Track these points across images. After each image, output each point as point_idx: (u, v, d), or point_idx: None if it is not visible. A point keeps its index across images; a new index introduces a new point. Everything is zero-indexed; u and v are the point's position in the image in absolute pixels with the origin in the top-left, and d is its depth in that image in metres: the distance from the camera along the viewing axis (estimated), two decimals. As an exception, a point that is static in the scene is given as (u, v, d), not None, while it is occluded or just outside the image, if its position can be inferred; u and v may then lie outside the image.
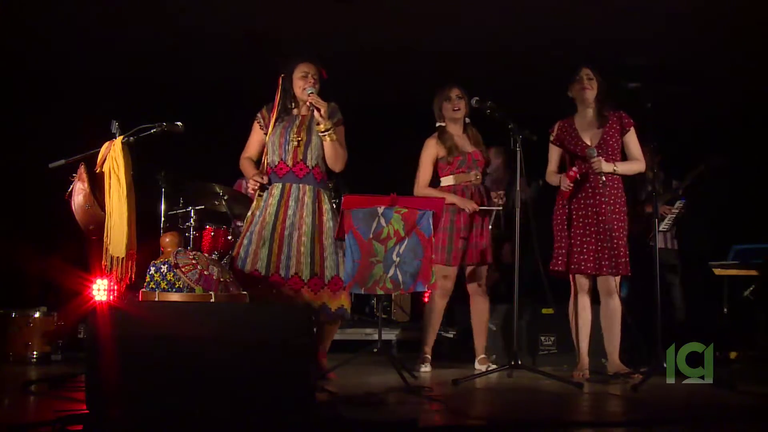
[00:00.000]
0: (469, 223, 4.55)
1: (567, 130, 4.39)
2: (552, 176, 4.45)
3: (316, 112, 3.86)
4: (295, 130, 3.93)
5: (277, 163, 3.95)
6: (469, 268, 4.63)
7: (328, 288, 3.86)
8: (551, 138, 4.45)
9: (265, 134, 4.01)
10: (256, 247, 3.84)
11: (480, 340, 4.69)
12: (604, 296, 4.32)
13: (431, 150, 4.64)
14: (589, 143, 4.30)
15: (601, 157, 4.20)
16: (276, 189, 3.93)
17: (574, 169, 4.27)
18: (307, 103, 3.89)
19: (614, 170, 4.24)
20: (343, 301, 3.91)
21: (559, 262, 4.33)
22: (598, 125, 4.34)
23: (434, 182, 4.67)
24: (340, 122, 4.01)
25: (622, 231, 4.27)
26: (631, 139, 4.34)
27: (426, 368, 4.49)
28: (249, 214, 4.01)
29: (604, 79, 4.34)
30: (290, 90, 4.01)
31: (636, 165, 4.33)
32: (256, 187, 3.96)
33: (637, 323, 4.33)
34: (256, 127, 4.06)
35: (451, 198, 4.53)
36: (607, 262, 4.21)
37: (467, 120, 4.67)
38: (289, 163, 3.92)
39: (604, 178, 4.19)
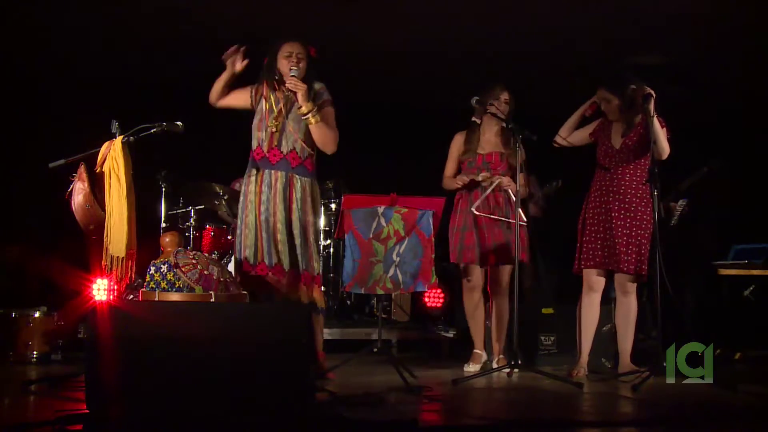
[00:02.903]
0: (486, 222, 4.45)
1: (605, 131, 4.41)
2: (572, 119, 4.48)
3: (294, 96, 3.80)
4: (274, 115, 3.86)
5: (255, 147, 3.90)
6: (490, 269, 4.57)
7: (301, 282, 3.82)
8: (591, 130, 4.46)
9: (251, 102, 3.94)
10: (243, 236, 3.83)
11: (497, 342, 4.60)
12: (619, 295, 4.32)
13: (456, 145, 4.61)
14: (614, 146, 4.33)
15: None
16: (253, 175, 3.88)
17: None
18: (287, 85, 3.81)
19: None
20: (315, 296, 3.86)
21: (584, 262, 4.33)
22: (623, 133, 4.34)
23: None
24: (328, 103, 3.90)
25: (641, 230, 4.23)
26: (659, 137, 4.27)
27: (473, 367, 4.41)
28: (239, 204, 3.95)
29: (621, 91, 4.30)
30: (275, 70, 3.91)
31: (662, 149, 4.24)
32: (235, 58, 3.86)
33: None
34: (248, 88, 3.97)
35: (462, 178, 4.46)
36: (617, 258, 4.21)
37: (510, 125, 4.47)
38: (265, 148, 3.85)
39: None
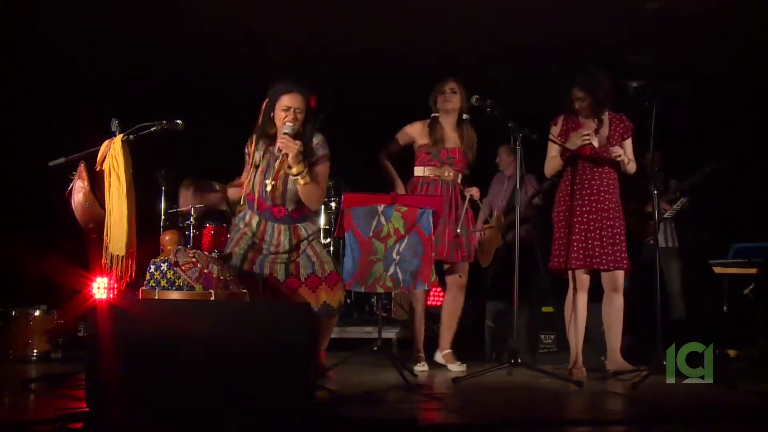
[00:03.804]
0: (443, 219, 4.45)
1: (573, 128, 4.39)
2: (554, 161, 4.41)
3: (285, 157, 3.69)
4: (273, 173, 3.78)
5: (257, 196, 3.83)
6: (445, 264, 4.58)
7: (305, 287, 3.83)
8: (554, 132, 4.41)
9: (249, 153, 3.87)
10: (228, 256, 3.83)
11: (446, 334, 4.60)
12: (608, 292, 4.33)
13: (413, 130, 4.59)
14: (593, 144, 4.31)
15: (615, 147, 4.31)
16: (253, 220, 3.84)
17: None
18: (278, 144, 3.68)
19: (623, 160, 4.30)
20: (325, 297, 3.85)
21: (560, 260, 4.34)
22: (599, 129, 4.36)
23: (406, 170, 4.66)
24: (323, 159, 3.82)
25: (621, 226, 4.30)
26: (628, 143, 4.39)
27: (422, 367, 4.46)
28: (230, 233, 3.94)
29: (593, 90, 4.32)
30: (272, 122, 3.80)
31: (632, 166, 4.38)
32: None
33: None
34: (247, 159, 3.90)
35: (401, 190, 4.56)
36: (610, 257, 4.22)
37: (465, 116, 4.57)
38: (268, 203, 3.80)
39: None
